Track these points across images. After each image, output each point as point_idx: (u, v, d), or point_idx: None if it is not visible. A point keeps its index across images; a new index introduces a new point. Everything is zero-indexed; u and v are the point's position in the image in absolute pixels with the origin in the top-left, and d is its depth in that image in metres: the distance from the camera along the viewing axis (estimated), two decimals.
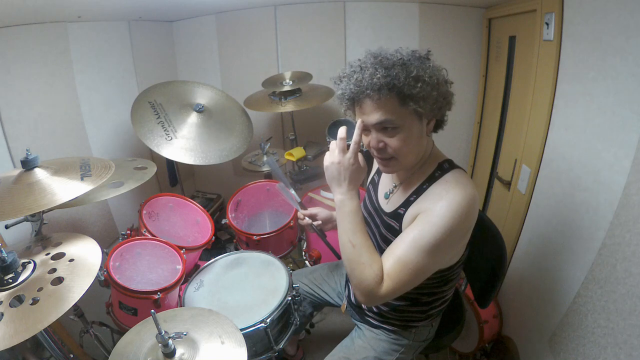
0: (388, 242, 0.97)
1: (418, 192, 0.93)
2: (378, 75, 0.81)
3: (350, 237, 0.89)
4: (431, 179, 0.92)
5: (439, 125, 0.97)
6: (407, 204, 0.95)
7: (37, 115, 1.54)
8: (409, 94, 0.81)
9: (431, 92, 0.82)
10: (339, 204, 0.92)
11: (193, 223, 1.64)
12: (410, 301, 1.05)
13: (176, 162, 1.76)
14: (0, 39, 1.38)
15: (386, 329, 1.13)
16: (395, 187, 1.04)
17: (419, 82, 0.81)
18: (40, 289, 0.85)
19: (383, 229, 1.01)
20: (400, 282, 0.83)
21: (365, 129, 0.89)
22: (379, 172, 1.16)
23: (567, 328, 1.14)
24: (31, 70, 1.51)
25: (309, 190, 2.05)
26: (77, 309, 1.24)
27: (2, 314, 0.79)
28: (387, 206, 1.03)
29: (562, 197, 1.23)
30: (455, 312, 1.30)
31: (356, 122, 0.91)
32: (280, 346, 1.23)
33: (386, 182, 1.10)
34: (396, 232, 0.95)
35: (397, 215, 0.96)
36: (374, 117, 0.85)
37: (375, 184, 1.15)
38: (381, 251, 0.99)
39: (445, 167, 0.93)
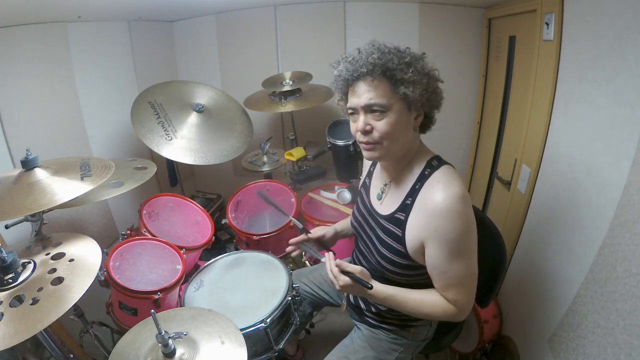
0: (388, 247, 0.98)
1: (412, 194, 0.94)
2: (374, 56, 0.86)
3: (403, 309, 0.98)
4: (422, 178, 0.93)
5: (426, 124, 0.98)
6: (404, 208, 0.95)
7: (37, 115, 1.54)
8: (401, 78, 0.85)
9: (422, 80, 0.87)
10: (378, 301, 1.00)
11: (193, 223, 1.64)
12: None
13: (176, 162, 1.76)
14: (0, 39, 1.38)
15: (385, 328, 1.13)
16: (385, 185, 1.04)
17: (411, 68, 0.85)
18: (40, 289, 0.85)
19: (381, 232, 1.01)
20: (467, 294, 0.93)
21: (355, 113, 0.92)
22: (369, 175, 1.16)
23: (567, 328, 1.14)
24: (31, 70, 1.51)
25: (309, 190, 2.05)
26: (77, 309, 1.24)
27: (2, 314, 0.79)
28: (382, 208, 1.03)
29: (562, 197, 1.23)
30: None
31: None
32: (280, 346, 1.23)
33: (377, 183, 1.10)
34: (399, 238, 0.95)
35: (397, 221, 0.96)
36: (365, 97, 0.88)
37: (367, 187, 1.15)
38: (380, 255, 1.00)
39: (434, 164, 0.94)
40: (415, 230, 0.91)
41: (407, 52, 0.89)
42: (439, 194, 0.86)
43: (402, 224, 0.94)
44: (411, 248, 0.93)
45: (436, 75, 0.92)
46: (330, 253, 1.02)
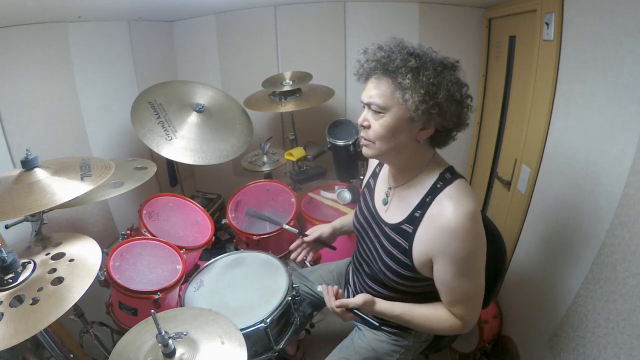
0: (393, 258, 0.96)
1: (422, 207, 0.91)
2: (379, 54, 0.85)
3: (410, 326, 0.99)
4: (434, 191, 0.91)
5: (440, 141, 0.93)
6: (413, 220, 0.92)
7: (37, 115, 1.54)
8: (400, 82, 0.82)
9: (419, 90, 0.81)
10: (386, 317, 0.99)
11: (193, 223, 1.64)
12: None
13: (176, 162, 1.76)
14: (0, 39, 1.38)
15: (386, 330, 1.13)
16: (390, 189, 1.03)
17: (410, 73, 0.82)
18: (40, 289, 0.85)
19: (386, 242, 0.99)
20: (474, 309, 0.93)
21: (364, 107, 0.93)
22: (374, 176, 1.15)
23: (567, 328, 1.14)
24: (31, 70, 1.51)
25: (309, 190, 2.06)
26: (77, 309, 1.24)
27: (2, 314, 0.79)
28: (387, 215, 1.01)
29: (562, 197, 1.23)
30: None
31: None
32: (280, 346, 1.23)
33: (382, 186, 1.08)
34: (405, 251, 0.93)
35: (404, 233, 0.94)
36: (367, 95, 0.89)
37: (371, 188, 1.13)
38: (384, 265, 0.99)
39: (447, 177, 0.92)
40: (423, 245, 0.90)
41: (419, 57, 0.83)
42: (450, 211, 0.84)
43: (409, 237, 0.93)
44: (418, 261, 0.92)
45: (453, 92, 0.83)
46: (328, 287, 1.02)
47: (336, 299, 0.99)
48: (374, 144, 0.91)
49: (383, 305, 0.98)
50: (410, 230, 0.93)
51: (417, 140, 0.89)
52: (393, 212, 1.00)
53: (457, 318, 0.93)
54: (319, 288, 1.05)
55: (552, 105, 1.28)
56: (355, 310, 0.97)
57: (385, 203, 1.04)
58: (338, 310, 0.97)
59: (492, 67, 1.98)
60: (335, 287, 1.02)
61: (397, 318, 0.97)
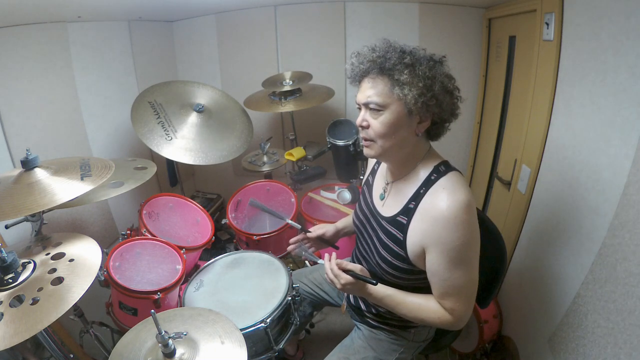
0: (389, 250, 0.97)
1: (416, 198, 0.93)
2: (374, 55, 0.87)
3: (399, 311, 0.98)
4: (428, 183, 0.92)
5: (436, 132, 0.96)
6: (407, 212, 0.94)
7: (37, 116, 1.54)
8: (397, 79, 0.84)
9: (418, 83, 0.84)
10: (375, 301, 1.00)
11: (193, 223, 1.64)
12: None
13: (176, 162, 1.76)
14: (0, 39, 1.38)
15: (385, 329, 1.13)
16: (387, 184, 1.04)
17: (407, 69, 0.84)
18: (40, 289, 0.85)
19: (383, 235, 1.00)
20: (465, 304, 0.91)
21: (359, 108, 0.94)
22: (373, 173, 1.16)
23: (567, 328, 1.14)
24: (31, 71, 1.51)
25: (309, 190, 2.06)
26: (77, 309, 1.24)
27: (2, 314, 0.79)
28: (384, 209, 1.03)
29: (562, 197, 1.23)
30: None
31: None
32: (280, 346, 1.23)
33: (380, 182, 1.09)
34: (400, 242, 0.94)
35: (399, 224, 0.95)
36: (364, 95, 0.90)
37: (369, 185, 1.14)
38: (380, 257, 1.00)
39: (441, 170, 0.93)
40: (417, 235, 0.91)
41: (412, 54, 0.87)
42: (444, 201, 0.85)
43: (403, 228, 0.94)
44: (412, 252, 0.93)
45: (446, 83, 0.88)
46: (333, 253, 1.01)
47: None
48: (375, 143, 0.91)
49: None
50: (405, 222, 0.94)
51: (415, 134, 0.91)
52: (389, 206, 1.01)
53: (447, 311, 0.92)
54: (320, 261, 1.06)
55: (552, 105, 1.29)
56: (351, 272, 0.96)
57: (382, 198, 1.05)
58: (335, 268, 0.96)
59: (492, 67, 1.98)
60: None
61: (388, 298, 0.97)
